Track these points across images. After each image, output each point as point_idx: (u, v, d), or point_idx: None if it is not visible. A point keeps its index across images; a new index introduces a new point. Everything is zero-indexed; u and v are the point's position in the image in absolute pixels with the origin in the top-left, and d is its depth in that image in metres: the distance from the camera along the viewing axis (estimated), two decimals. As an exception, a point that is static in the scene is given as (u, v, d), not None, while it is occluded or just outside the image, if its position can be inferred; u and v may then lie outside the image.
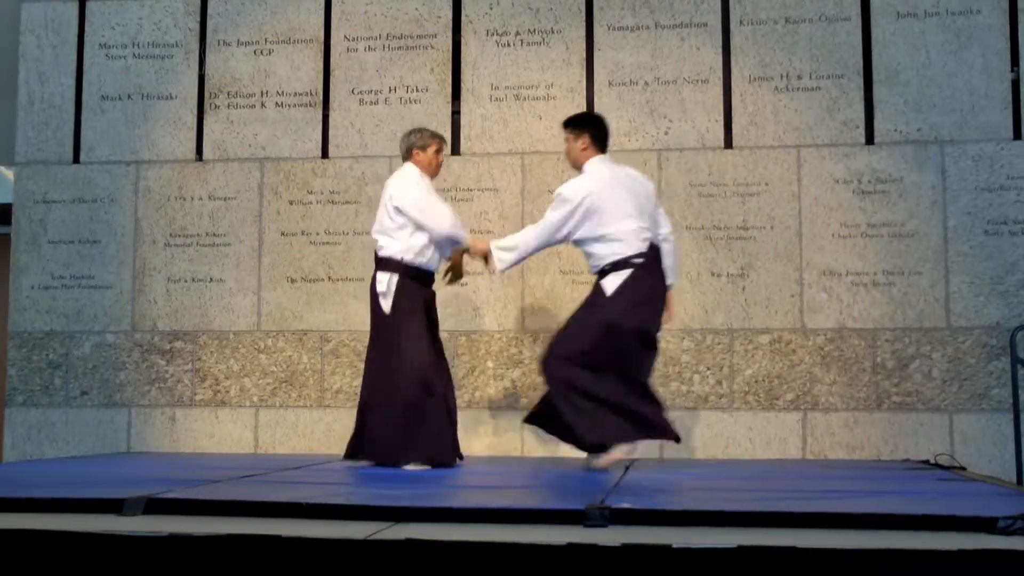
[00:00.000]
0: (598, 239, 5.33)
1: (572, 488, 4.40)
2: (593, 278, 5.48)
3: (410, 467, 5.36)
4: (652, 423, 5.24)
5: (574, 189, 5.39)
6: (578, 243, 5.46)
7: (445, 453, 5.52)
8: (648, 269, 5.34)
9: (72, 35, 7.57)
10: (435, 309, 5.78)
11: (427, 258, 5.62)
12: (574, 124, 5.60)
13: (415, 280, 5.59)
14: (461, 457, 5.76)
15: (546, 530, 3.26)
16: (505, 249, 5.54)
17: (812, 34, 6.93)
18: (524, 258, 5.63)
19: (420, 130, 5.84)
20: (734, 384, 6.73)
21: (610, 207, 5.32)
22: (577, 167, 5.59)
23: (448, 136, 7.01)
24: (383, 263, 5.60)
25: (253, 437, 7.10)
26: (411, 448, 5.40)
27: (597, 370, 5.17)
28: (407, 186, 5.58)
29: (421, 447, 5.41)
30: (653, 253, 5.39)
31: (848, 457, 6.58)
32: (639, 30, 7.09)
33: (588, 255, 5.45)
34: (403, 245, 5.55)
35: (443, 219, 5.56)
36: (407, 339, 5.48)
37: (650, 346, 5.38)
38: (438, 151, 5.79)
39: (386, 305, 5.53)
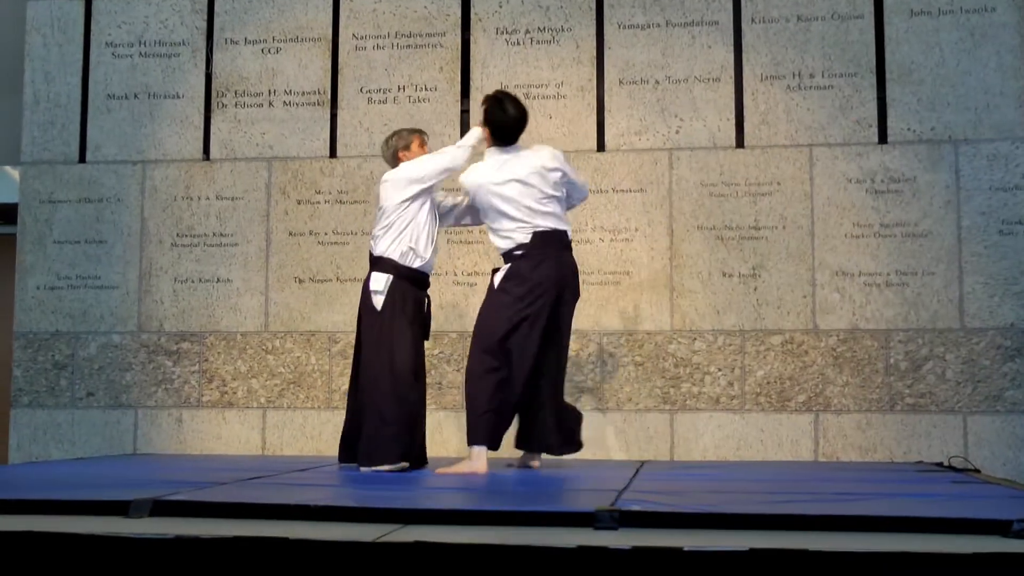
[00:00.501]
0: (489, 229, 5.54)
1: (582, 490, 4.39)
2: None
3: (384, 468, 5.36)
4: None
5: (465, 177, 5.53)
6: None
7: (418, 455, 5.56)
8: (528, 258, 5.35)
9: (78, 34, 7.58)
10: (426, 314, 5.73)
11: (422, 261, 5.61)
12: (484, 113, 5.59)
13: (409, 281, 5.59)
14: (426, 462, 5.71)
15: (556, 533, 3.25)
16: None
17: (824, 32, 6.91)
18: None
19: (396, 132, 5.90)
20: (746, 385, 6.71)
21: (486, 207, 5.45)
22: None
23: (457, 135, 7.02)
24: (377, 263, 5.62)
25: (260, 439, 7.11)
26: (387, 448, 5.43)
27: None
28: (393, 176, 5.68)
29: (395, 447, 5.43)
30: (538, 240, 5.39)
31: (861, 459, 6.56)
32: (650, 28, 7.08)
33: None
34: (398, 246, 5.58)
35: (435, 161, 5.65)
36: (395, 338, 5.49)
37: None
38: (421, 144, 5.82)
39: (378, 302, 5.51)
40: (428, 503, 3.94)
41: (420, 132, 5.91)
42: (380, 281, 5.55)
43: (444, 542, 3.02)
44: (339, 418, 6.97)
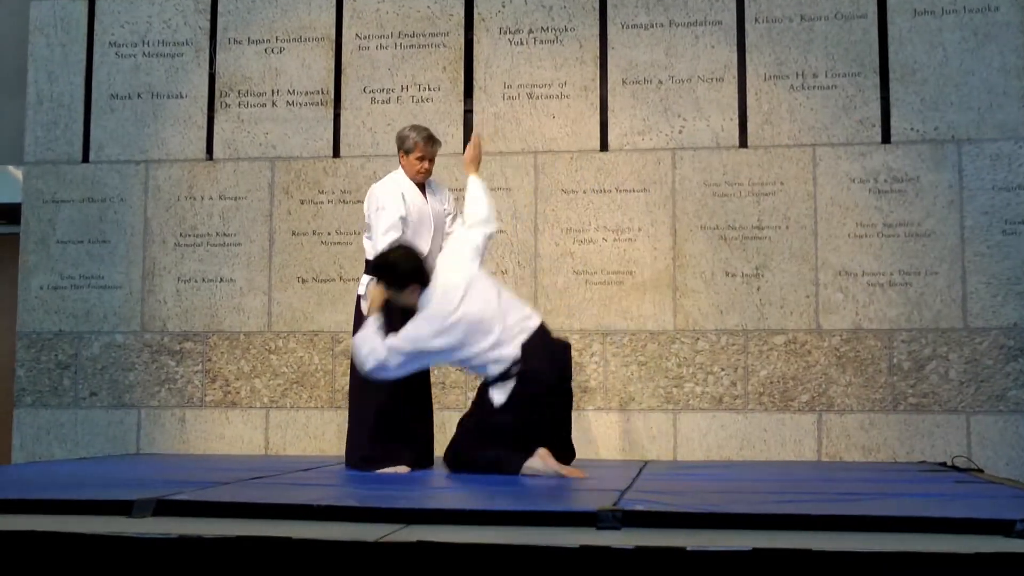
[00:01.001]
0: None
1: (584, 490, 4.40)
2: None
3: (385, 470, 5.37)
4: None
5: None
6: None
7: (419, 457, 5.56)
8: None
9: (81, 34, 7.59)
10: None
11: None
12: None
13: None
14: (431, 463, 5.68)
15: (558, 532, 3.26)
16: None
17: (828, 32, 6.91)
18: None
19: (414, 129, 5.78)
20: (749, 385, 6.72)
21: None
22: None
23: (460, 135, 7.03)
24: (367, 265, 5.64)
25: (264, 438, 7.12)
26: (386, 452, 5.43)
27: None
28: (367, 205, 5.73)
29: (397, 450, 5.43)
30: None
31: (864, 459, 6.56)
32: (653, 28, 7.08)
33: None
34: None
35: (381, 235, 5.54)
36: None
37: None
38: (420, 159, 5.69)
39: (364, 307, 5.48)
40: (431, 503, 3.95)
41: (429, 142, 5.70)
42: (364, 284, 5.57)
43: (447, 542, 3.02)
44: (342, 417, 6.98)
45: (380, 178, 7.14)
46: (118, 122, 7.48)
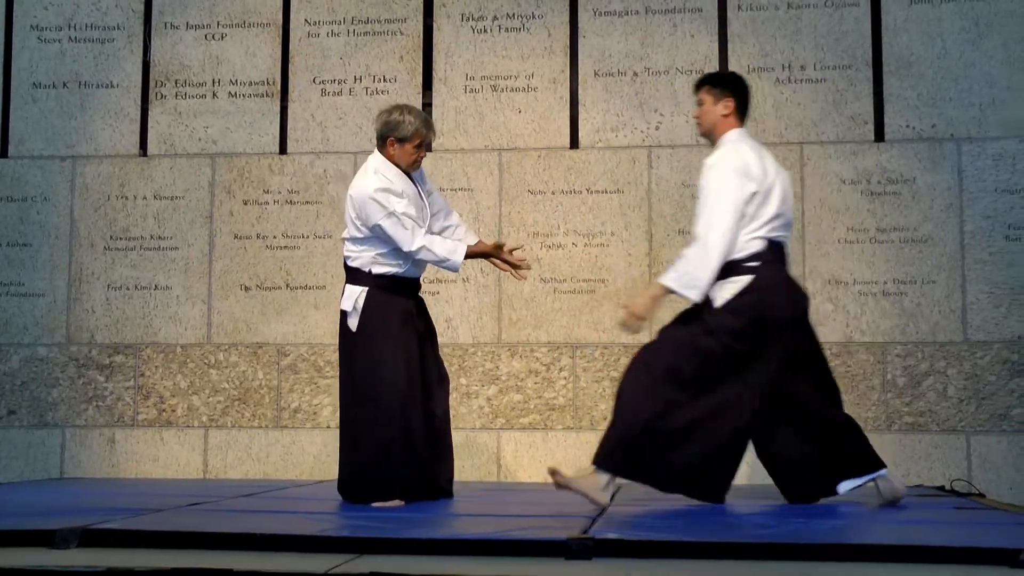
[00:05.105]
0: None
1: (553, 517, 4.39)
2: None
3: (377, 504, 5.17)
4: None
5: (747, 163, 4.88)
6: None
7: (420, 487, 5.27)
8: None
9: None
10: (424, 319, 5.47)
11: (403, 267, 5.28)
12: (717, 83, 5.08)
13: (389, 291, 5.25)
14: (450, 492, 5.44)
15: (525, 563, 3.25)
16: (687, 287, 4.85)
17: (817, 21, 6.96)
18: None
19: (404, 109, 5.37)
20: (731, 403, 6.73)
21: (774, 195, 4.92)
22: (711, 136, 5.08)
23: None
24: (351, 274, 5.31)
25: (202, 461, 7.07)
26: (379, 484, 5.22)
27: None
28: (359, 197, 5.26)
29: (390, 483, 5.22)
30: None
31: (856, 483, 6.59)
32: (628, 15, 7.10)
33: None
34: (371, 253, 5.25)
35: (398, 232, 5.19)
36: (376, 364, 5.18)
37: None
38: (417, 147, 5.33)
39: (353, 323, 5.22)
40: (386, 531, 3.93)
41: (429, 127, 5.39)
42: (352, 298, 5.25)
43: (402, 573, 3.01)
44: (288, 438, 6.97)
45: (330, 177, 7.14)
46: (41, 113, 7.42)
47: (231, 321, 7.15)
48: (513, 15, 7.19)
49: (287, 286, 7.13)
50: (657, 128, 6.99)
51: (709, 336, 4.74)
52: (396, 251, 5.22)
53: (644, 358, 4.83)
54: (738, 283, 4.79)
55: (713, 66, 6.98)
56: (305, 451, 6.96)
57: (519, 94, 7.12)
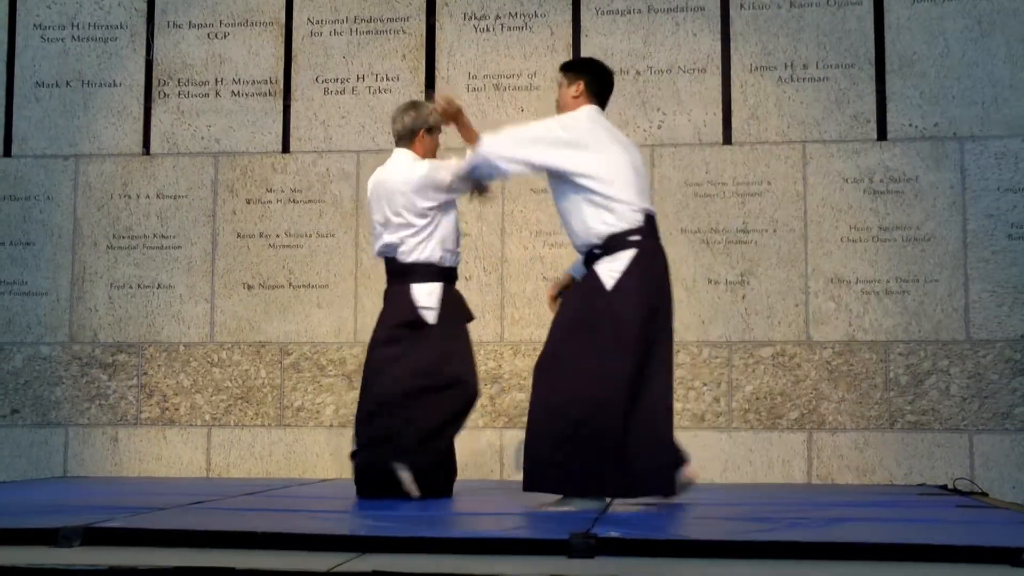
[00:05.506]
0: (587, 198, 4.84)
1: (556, 516, 4.39)
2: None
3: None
4: None
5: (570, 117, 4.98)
6: (559, 199, 4.99)
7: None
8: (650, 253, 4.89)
9: (2, 14, 7.53)
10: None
11: (455, 255, 5.47)
12: (570, 68, 5.19)
13: (451, 281, 5.44)
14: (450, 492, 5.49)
15: (527, 561, 3.25)
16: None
17: (819, 19, 6.95)
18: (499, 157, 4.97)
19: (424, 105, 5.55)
20: (733, 401, 6.74)
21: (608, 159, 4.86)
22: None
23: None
24: (412, 271, 5.33)
25: (205, 459, 7.08)
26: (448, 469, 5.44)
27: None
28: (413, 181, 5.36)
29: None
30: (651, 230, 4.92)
31: (858, 481, 6.59)
32: (630, 14, 7.10)
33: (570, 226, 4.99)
34: (433, 240, 5.35)
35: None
36: (457, 352, 5.38)
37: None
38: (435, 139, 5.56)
39: (432, 317, 5.30)
40: (388, 529, 3.93)
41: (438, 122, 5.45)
42: (431, 294, 5.33)
43: (405, 572, 3.01)
44: (291, 437, 6.97)
45: (333, 176, 7.14)
46: (44, 112, 7.42)
47: (234, 320, 7.15)
48: (516, 14, 7.19)
49: (290, 285, 7.13)
50: (659, 127, 6.99)
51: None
52: (449, 237, 5.39)
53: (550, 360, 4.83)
54: (622, 259, 4.77)
55: (716, 65, 6.98)
56: (308, 450, 6.97)
57: (522, 92, 7.12)
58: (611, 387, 4.61)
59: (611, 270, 4.75)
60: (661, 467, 4.71)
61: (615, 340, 4.66)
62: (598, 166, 4.79)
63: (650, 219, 4.88)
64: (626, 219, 4.78)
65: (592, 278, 4.77)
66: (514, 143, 4.95)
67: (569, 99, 5.06)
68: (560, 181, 4.88)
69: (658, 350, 4.83)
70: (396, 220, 5.33)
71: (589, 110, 4.99)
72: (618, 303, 4.70)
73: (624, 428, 4.61)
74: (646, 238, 4.83)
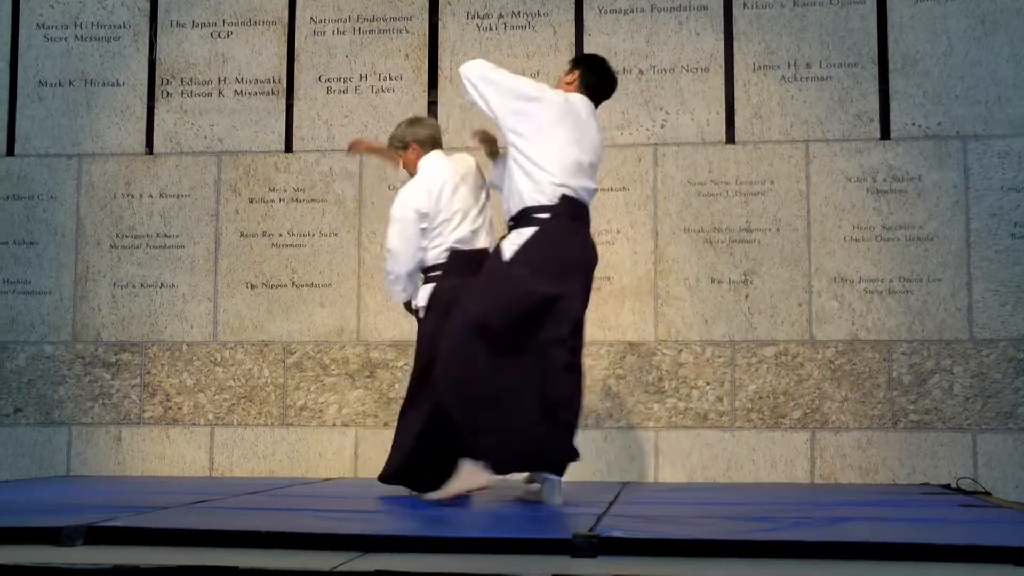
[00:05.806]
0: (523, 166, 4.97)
1: (559, 515, 4.39)
2: None
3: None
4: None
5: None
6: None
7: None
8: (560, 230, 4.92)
9: (5, 14, 7.53)
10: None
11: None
12: (574, 59, 5.34)
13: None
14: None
15: (530, 560, 3.25)
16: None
17: (823, 18, 6.95)
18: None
19: (420, 122, 5.69)
20: (736, 401, 6.74)
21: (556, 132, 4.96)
22: None
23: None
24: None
25: (208, 458, 7.08)
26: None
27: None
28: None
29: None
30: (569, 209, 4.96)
31: (861, 481, 6.59)
32: (633, 13, 7.10)
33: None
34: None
35: None
36: None
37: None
38: (417, 157, 5.55)
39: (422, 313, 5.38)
40: (391, 528, 3.93)
41: (426, 140, 5.53)
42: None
43: (408, 571, 3.01)
44: (294, 436, 6.97)
45: (336, 175, 7.15)
46: (47, 112, 7.42)
47: (237, 319, 7.15)
48: (519, 13, 7.19)
49: (293, 284, 7.13)
50: (663, 126, 6.98)
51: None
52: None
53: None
54: (524, 234, 4.91)
55: (719, 64, 6.98)
56: (311, 449, 6.97)
57: (524, 92, 7.11)
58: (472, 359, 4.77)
59: (512, 243, 4.90)
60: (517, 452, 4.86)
61: (496, 294, 4.85)
62: (538, 133, 4.93)
63: (571, 202, 4.94)
64: (545, 193, 4.88)
65: (495, 253, 5.00)
66: (489, 79, 5.09)
67: (562, 84, 5.25)
68: (511, 145, 5.03)
69: (543, 338, 4.85)
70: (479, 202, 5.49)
71: (573, 96, 5.13)
72: (512, 269, 4.85)
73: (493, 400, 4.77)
74: (556, 218, 4.89)
